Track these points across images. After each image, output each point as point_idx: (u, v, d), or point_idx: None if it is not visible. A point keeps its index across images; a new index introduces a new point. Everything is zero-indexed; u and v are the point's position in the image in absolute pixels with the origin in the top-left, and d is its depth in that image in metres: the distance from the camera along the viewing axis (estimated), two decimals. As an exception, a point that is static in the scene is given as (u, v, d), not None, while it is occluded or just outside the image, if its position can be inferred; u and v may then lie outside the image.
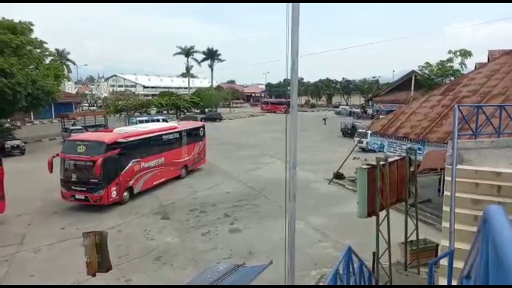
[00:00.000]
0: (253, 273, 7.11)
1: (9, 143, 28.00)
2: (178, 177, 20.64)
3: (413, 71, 43.54)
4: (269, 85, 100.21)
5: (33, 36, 31.20)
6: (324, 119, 50.38)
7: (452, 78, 34.95)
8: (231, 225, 14.26)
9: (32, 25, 30.90)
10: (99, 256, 6.86)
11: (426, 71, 40.37)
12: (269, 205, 16.25)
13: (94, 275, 7.24)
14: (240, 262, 8.28)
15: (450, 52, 39.32)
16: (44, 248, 12.08)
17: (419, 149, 13.89)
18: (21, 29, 29.37)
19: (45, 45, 33.12)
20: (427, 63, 40.38)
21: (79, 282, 9.66)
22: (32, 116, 47.13)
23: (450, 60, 39.20)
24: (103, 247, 6.95)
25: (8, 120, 34.64)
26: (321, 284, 9.67)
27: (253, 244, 12.41)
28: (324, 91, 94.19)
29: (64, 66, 53.77)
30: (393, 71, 72.21)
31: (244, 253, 11.61)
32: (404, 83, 45.03)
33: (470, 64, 37.05)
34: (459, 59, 39.54)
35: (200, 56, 75.27)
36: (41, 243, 12.39)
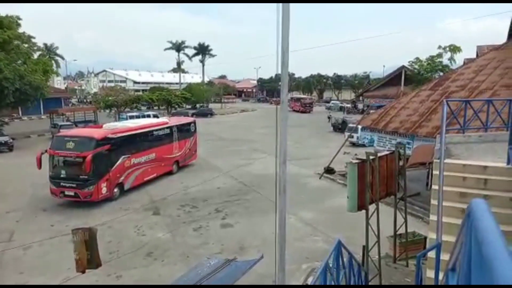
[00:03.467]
0: (244, 268, 7.14)
1: (-4, 139, 27.55)
2: (169, 173, 20.55)
3: (403, 66, 43.78)
4: (260, 81, 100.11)
5: (20, 30, 30.64)
6: (328, 117, 46.01)
7: (441, 73, 35.26)
8: (223, 220, 14.27)
9: (19, 19, 30.33)
10: (89, 252, 6.81)
11: (416, 66, 40.68)
12: (260, 200, 16.28)
13: (83, 272, 7.19)
14: (231, 257, 8.30)
15: (439, 47, 39.63)
16: (33, 245, 11.95)
17: (409, 143, 14.02)
18: (8, 23, 28.80)
19: (33, 40, 32.59)
20: (417, 58, 40.70)
21: (69, 278, 9.59)
22: (20, 112, 46.46)
23: (439, 55, 39.51)
24: (93, 243, 6.90)
25: (-4, 116, 34.04)
26: (311, 277, 9.74)
27: (245, 238, 12.44)
28: (315, 86, 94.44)
29: (53, 61, 52.91)
30: (384, 66, 72.64)
31: (235, 248, 11.65)
32: (394, 78, 45.26)
33: (460, 59, 37.40)
34: (448, 54, 39.88)
35: (191, 51, 74.83)
36: (30, 240, 12.26)
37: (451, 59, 40.19)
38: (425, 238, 10.31)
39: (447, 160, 6.48)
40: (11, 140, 28.28)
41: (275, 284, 6.00)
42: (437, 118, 13.62)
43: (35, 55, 35.69)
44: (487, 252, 0.89)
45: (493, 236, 0.94)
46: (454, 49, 39.43)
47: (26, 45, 31.46)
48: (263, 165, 22.18)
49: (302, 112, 59.41)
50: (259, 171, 21.04)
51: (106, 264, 9.58)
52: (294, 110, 60.02)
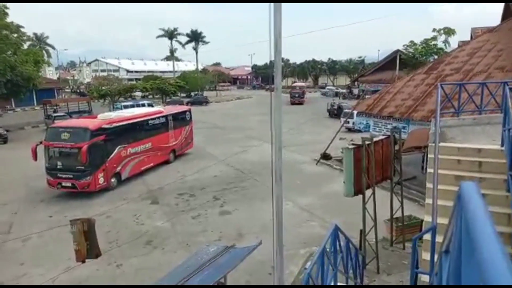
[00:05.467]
0: (243, 254, 7.22)
1: (-10, 132, 27.35)
2: (166, 162, 20.57)
3: (397, 50, 43.60)
4: (255, 67, 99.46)
5: (8, 20, 30.07)
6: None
7: (436, 57, 35.16)
8: (221, 207, 14.36)
9: (6, 8, 29.71)
10: (88, 242, 6.86)
11: (411, 50, 40.47)
12: (257, 187, 16.38)
13: (83, 262, 7.26)
14: (230, 244, 8.38)
15: (434, 30, 39.37)
16: (32, 236, 12.00)
17: (404, 128, 14.10)
18: (-5, 13, 28.26)
19: (22, 30, 32.01)
20: (412, 42, 40.45)
21: (70, 268, 9.67)
22: (13, 104, 45.99)
23: (434, 38, 39.27)
24: (91, 233, 6.94)
25: (-12, 109, 33.77)
26: (309, 262, 9.87)
27: (243, 225, 12.56)
28: (310, 72, 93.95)
29: (44, 51, 52.19)
30: (379, 50, 72.39)
31: (234, 235, 11.76)
32: (389, 63, 45.17)
33: (454, 42, 37.26)
34: (443, 37, 39.65)
35: (184, 39, 73.91)
36: (29, 231, 12.31)
37: (445, 42, 40.01)
38: (421, 221, 10.43)
39: (442, 144, 6.53)
40: (5, 132, 28.07)
41: (274, 268, 6.09)
42: (432, 102, 13.66)
43: (25, 45, 35.11)
44: (475, 232, 0.92)
45: (480, 217, 0.97)
46: (449, 31, 39.16)
47: (15, 35, 30.89)
48: (259, 152, 22.24)
49: (292, 104, 51.52)
50: (255, 158, 21.10)
51: (106, 254, 9.67)
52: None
